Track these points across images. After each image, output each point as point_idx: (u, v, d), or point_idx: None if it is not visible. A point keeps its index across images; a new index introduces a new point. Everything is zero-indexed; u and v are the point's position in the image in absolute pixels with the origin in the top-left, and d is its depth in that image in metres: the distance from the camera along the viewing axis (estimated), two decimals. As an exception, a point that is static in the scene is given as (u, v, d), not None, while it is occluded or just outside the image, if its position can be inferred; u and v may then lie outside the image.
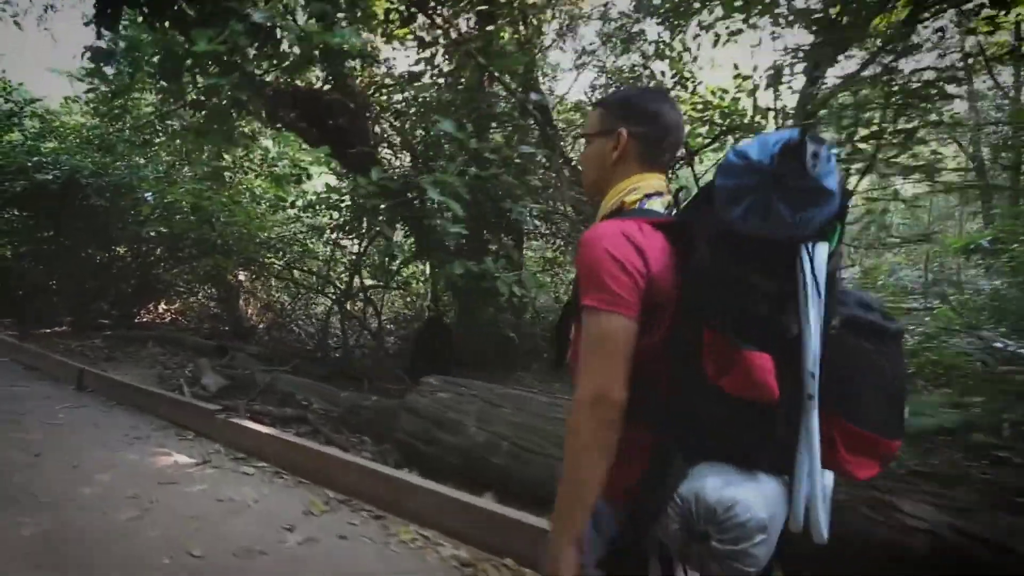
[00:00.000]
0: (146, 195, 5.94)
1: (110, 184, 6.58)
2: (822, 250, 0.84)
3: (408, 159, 5.28)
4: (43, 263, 8.30)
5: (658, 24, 6.53)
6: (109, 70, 5.64)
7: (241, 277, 7.98)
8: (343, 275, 6.90)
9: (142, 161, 7.60)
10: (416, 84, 3.48)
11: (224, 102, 2.98)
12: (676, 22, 6.41)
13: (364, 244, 6.59)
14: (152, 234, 7.74)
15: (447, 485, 2.68)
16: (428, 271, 5.77)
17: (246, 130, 4.19)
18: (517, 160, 3.59)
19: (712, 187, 0.89)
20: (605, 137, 1.07)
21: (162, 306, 10.68)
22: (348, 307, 6.62)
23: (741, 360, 0.81)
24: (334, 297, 6.50)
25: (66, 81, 9.74)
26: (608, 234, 0.93)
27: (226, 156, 7.15)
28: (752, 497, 0.81)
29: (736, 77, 5.68)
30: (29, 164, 6.64)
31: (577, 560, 0.90)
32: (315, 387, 4.32)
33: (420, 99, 4.08)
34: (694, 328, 0.87)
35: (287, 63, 3.20)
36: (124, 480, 3.03)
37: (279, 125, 4.23)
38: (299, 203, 5.45)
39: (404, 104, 4.71)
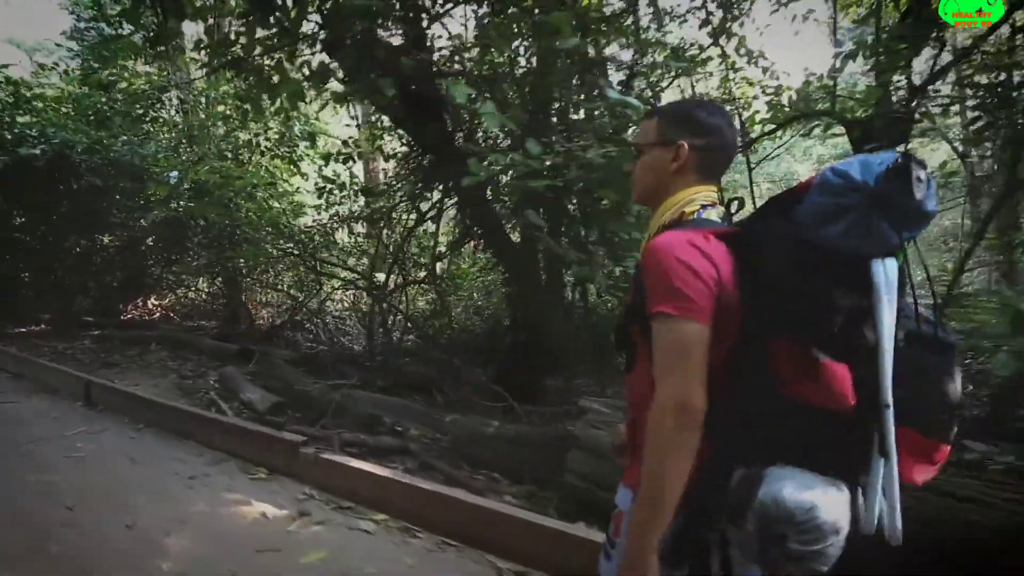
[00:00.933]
0: (170, 174, 5.03)
1: (111, 161, 5.61)
2: (892, 265, 0.86)
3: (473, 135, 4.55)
4: (18, 253, 7.21)
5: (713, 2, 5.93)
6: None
7: (243, 270, 7.03)
8: (380, 269, 6.14)
9: (136, 137, 6.63)
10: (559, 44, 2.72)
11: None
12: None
13: (405, 234, 5.85)
14: (141, 222, 6.77)
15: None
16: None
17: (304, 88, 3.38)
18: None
19: (782, 202, 0.95)
20: (663, 148, 1.07)
21: (151, 301, 9.65)
22: (393, 304, 5.88)
23: (819, 370, 0.84)
24: (376, 293, 5.72)
25: (24, 55, 8.54)
26: (677, 243, 0.94)
27: (243, 133, 6.26)
28: (827, 501, 0.83)
29: (837, 55, 5.16)
30: (9, 137, 5.61)
31: (657, 564, 0.90)
32: (398, 406, 3.60)
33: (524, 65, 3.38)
34: (762, 338, 0.89)
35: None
36: (206, 546, 2.28)
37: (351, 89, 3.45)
38: (350, 185, 4.64)
39: (488, 69, 3.98)
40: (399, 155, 4.96)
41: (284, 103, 3.30)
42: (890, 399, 0.83)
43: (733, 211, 1.07)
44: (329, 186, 4.61)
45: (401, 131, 5.34)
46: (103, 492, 2.76)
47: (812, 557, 0.81)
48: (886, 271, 0.85)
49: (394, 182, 5.46)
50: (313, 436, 3.04)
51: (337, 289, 6.59)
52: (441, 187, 4.52)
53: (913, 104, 4.65)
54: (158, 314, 9.27)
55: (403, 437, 3.12)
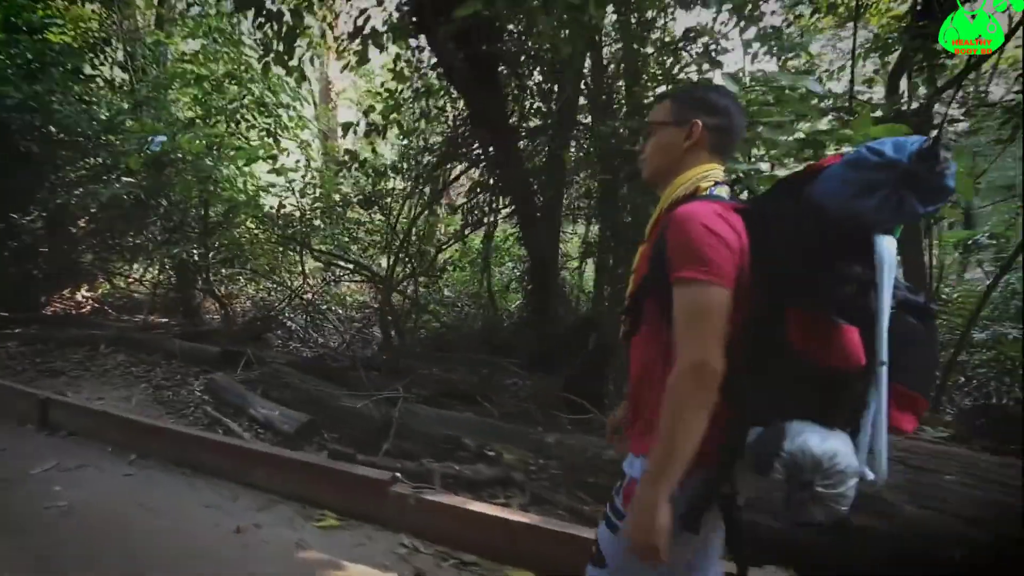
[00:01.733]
0: (156, 138, 4.07)
1: (51, 123, 4.53)
2: (892, 241, 0.93)
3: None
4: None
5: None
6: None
7: (231, 258, 6.05)
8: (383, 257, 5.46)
9: (74, 97, 5.46)
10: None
11: None
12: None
13: (415, 214, 5.22)
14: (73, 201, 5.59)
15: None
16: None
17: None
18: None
19: (797, 180, 1.01)
20: (677, 127, 1.13)
21: (81, 293, 8.26)
22: (409, 296, 5.24)
23: (835, 334, 0.93)
24: (390, 284, 5.05)
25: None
26: (703, 212, 0.98)
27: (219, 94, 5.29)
28: (845, 448, 0.92)
29: (874, 47, 5.10)
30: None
31: (670, 512, 0.96)
32: (472, 423, 3.07)
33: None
34: (778, 305, 0.95)
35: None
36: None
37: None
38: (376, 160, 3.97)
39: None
40: (430, 129, 4.33)
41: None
42: (886, 357, 0.91)
43: (735, 190, 1.13)
44: (349, 164, 3.90)
45: (415, 109, 4.76)
46: (126, 561, 2.06)
47: (835, 499, 0.90)
48: (888, 245, 0.91)
49: (412, 162, 4.82)
50: (413, 473, 2.44)
51: (338, 280, 5.82)
52: (489, 166, 3.98)
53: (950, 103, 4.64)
54: (88, 307, 7.98)
55: (499, 464, 2.61)
